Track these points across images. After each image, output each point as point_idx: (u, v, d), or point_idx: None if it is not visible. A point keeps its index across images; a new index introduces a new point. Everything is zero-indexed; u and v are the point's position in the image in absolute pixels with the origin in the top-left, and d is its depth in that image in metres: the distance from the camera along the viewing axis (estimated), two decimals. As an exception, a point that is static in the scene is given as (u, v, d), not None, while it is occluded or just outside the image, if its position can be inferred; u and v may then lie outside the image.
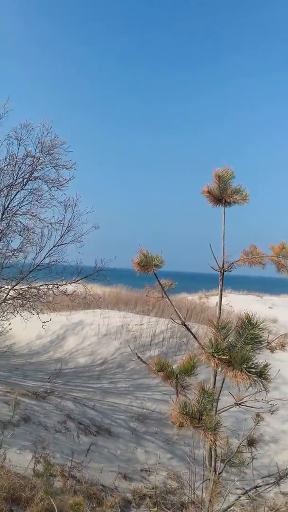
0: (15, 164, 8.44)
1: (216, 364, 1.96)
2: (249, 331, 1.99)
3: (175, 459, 7.29)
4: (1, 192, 8.46)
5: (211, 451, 2.34)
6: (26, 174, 8.61)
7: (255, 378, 1.90)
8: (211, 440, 1.96)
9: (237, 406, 2.45)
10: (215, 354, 1.96)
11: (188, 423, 2.04)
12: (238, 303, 23.60)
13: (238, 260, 2.71)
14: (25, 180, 8.62)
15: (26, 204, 8.74)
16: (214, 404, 2.28)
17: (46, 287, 9.13)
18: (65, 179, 8.94)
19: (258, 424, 3.28)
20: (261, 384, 1.94)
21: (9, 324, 9.12)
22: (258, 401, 2.47)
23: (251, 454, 3.12)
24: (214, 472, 2.34)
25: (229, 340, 2.06)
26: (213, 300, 23.76)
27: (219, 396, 2.39)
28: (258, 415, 3.26)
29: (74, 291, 9.55)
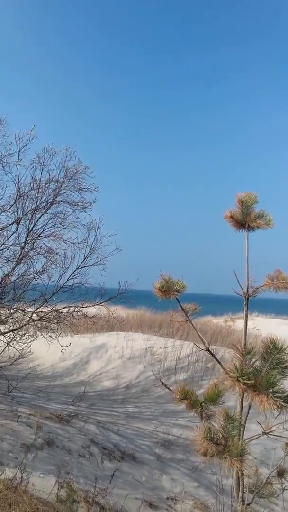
0: (39, 188, 8.64)
1: (242, 389, 1.92)
2: (275, 356, 1.96)
3: (202, 488, 7.09)
4: (26, 216, 8.64)
5: (238, 480, 2.27)
6: (49, 198, 8.81)
7: (282, 404, 1.86)
8: (237, 468, 1.91)
9: (266, 435, 2.38)
10: (240, 379, 1.93)
11: (213, 450, 2.00)
12: (265, 327, 23.15)
13: (263, 285, 2.68)
14: (48, 203, 8.81)
15: (50, 227, 8.91)
16: (241, 430, 2.23)
17: (68, 310, 9.18)
18: (89, 202, 9.10)
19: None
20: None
21: (29, 347, 9.16)
22: (287, 430, 2.41)
23: (281, 485, 3.02)
24: (242, 502, 2.27)
25: (255, 365, 2.02)
26: (239, 323, 23.42)
27: (245, 422, 2.33)
28: (287, 444, 3.16)
29: (95, 314, 9.57)
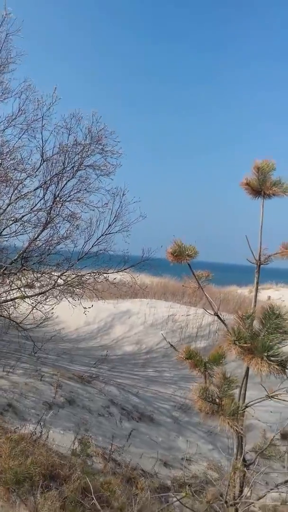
0: (65, 153, 8.65)
1: (238, 352, 1.96)
2: (273, 321, 1.98)
3: (216, 450, 7.28)
4: (51, 181, 8.70)
5: (238, 439, 2.34)
6: (76, 163, 8.82)
7: (276, 367, 1.89)
8: (229, 425, 1.97)
9: (270, 399, 2.42)
10: (236, 342, 1.96)
11: (208, 409, 2.06)
12: (291, 297, 23.01)
13: (276, 253, 2.66)
14: (74, 168, 8.82)
15: (76, 192, 8.94)
16: (240, 393, 2.28)
17: (91, 275, 9.32)
18: (113, 165, 9.07)
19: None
20: (285, 374, 1.93)
21: (53, 309, 9.38)
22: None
23: (287, 448, 3.09)
24: (242, 461, 2.34)
25: (254, 330, 2.05)
26: (264, 294, 23.31)
27: (245, 384, 2.37)
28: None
29: (119, 281, 9.69)
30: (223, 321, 2.54)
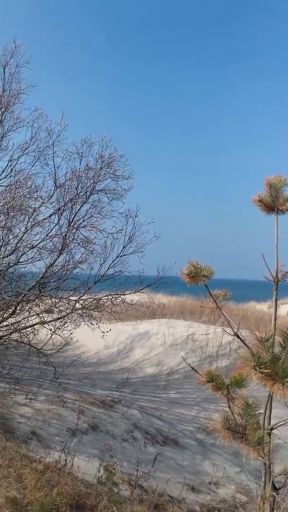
0: (78, 178, 8.80)
1: (259, 378, 1.91)
2: None
3: (244, 473, 7.10)
4: (65, 206, 8.83)
5: (265, 466, 2.28)
6: (88, 188, 8.95)
7: None
8: (254, 456, 1.92)
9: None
10: (257, 368, 1.91)
11: (231, 438, 2.01)
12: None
13: (294, 270, 2.64)
14: (87, 193, 8.96)
15: (89, 217, 9.05)
16: (263, 417, 2.23)
17: (108, 297, 9.35)
18: (124, 189, 9.18)
19: None
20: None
21: (71, 334, 9.41)
22: None
23: None
24: (271, 486, 2.28)
25: (273, 352, 2.00)
26: (284, 309, 22.98)
27: (270, 406, 2.32)
28: None
29: (136, 302, 9.69)
30: (244, 343, 2.50)
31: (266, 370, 1.89)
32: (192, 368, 2.61)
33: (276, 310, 2.66)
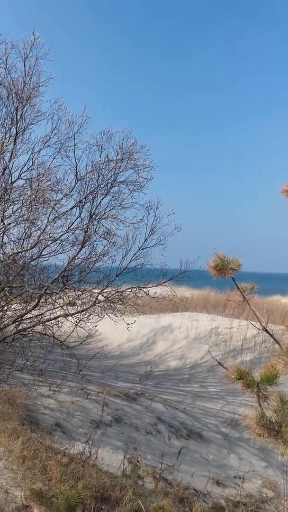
0: (99, 170, 8.77)
1: None
2: None
3: (271, 467, 7.01)
4: (86, 199, 8.82)
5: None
6: (109, 180, 8.91)
7: None
8: None
9: None
10: None
11: (266, 436, 1.93)
12: None
13: None
14: (108, 185, 8.92)
15: (111, 209, 9.03)
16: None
17: (131, 290, 9.32)
18: (145, 178, 9.10)
19: None
20: None
21: (96, 326, 9.44)
22: None
23: None
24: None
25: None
26: (311, 302, 22.59)
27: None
28: None
29: (159, 295, 9.64)
30: (274, 338, 2.41)
31: (302, 366, 1.80)
32: (219, 363, 2.53)
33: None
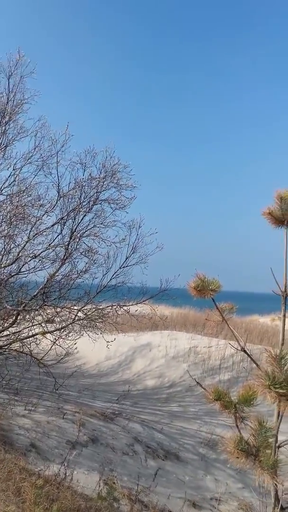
0: (81, 187, 8.80)
1: (274, 398, 1.84)
2: None
3: (247, 489, 6.97)
4: (68, 216, 8.82)
5: (275, 486, 2.21)
6: (91, 198, 8.95)
7: None
8: (267, 479, 1.85)
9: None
10: (271, 387, 1.84)
11: (244, 460, 1.94)
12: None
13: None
14: (91, 203, 8.95)
15: (92, 227, 9.04)
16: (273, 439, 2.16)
17: (111, 308, 9.30)
18: (128, 198, 9.17)
19: None
20: None
21: (75, 344, 9.35)
22: None
23: None
24: (279, 506, 2.20)
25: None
26: (287, 323, 22.81)
27: (278, 426, 2.25)
28: None
29: (138, 313, 9.64)
30: (252, 358, 2.44)
31: (281, 390, 1.82)
32: (198, 383, 2.54)
33: (284, 324, 2.60)
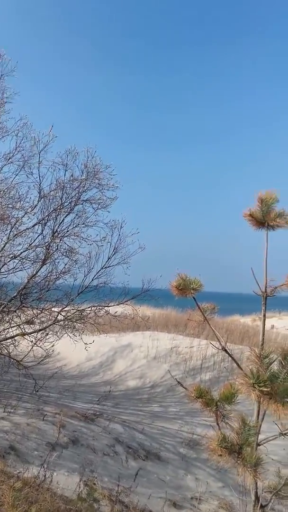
0: (63, 188, 8.73)
1: (258, 396, 1.85)
2: None
3: (227, 488, 7.01)
4: (49, 217, 8.74)
5: (255, 483, 2.22)
6: (73, 198, 8.89)
7: None
8: (250, 477, 1.86)
9: (284, 436, 2.33)
10: (255, 386, 1.85)
11: (227, 457, 1.95)
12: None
13: (282, 285, 2.61)
14: (72, 203, 8.89)
15: (74, 227, 8.98)
16: (255, 437, 2.17)
17: (91, 309, 9.24)
18: (110, 198, 9.14)
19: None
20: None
21: (53, 346, 9.26)
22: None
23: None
24: (258, 504, 2.22)
25: (272, 370, 1.94)
26: (268, 323, 23.09)
27: (259, 429, 2.27)
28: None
29: (120, 314, 9.61)
30: (233, 358, 2.46)
31: (265, 389, 1.83)
32: (179, 382, 2.55)
33: (264, 324, 2.63)
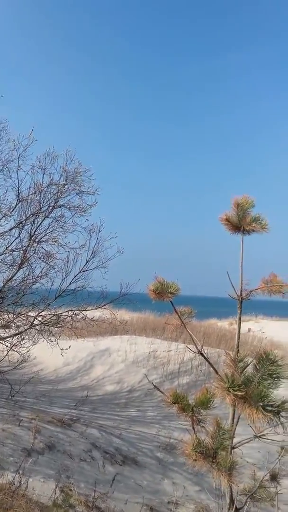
0: (40, 192, 8.65)
1: (233, 400, 1.87)
2: (267, 367, 1.91)
3: (203, 492, 7.04)
4: (27, 220, 8.65)
5: (230, 486, 2.24)
6: (51, 202, 8.82)
7: (272, 417, 1.81)
8: (225, 481, 1.88)
9: (258, 439, 2.36)
10: (230, 390, 1.88)
11: (202, 461, 1.97)
12: (271, 329, 23.14)
13: (257, 289, 2.65)
14: (50, 208, 8.82)
15: (51, 231, 8.90)
16: (230, 441, 2.19)
17: (68, 313, 9.16)
18: (89, 205, 9.10)
19: (282, 457, 3.13)
20: (278, 421, 1.85)
21: (28, 351, 9.14)
22: (279, 434, 2.37)
23: (276, 489, 2.98)
24: (233, 507, 2.24)
25: (246, 374, 1.97)
26: (244, 326, 23.32)
27: (234, 432, 2.29)
28: (282, 448, 3.13)
29: (98, 318, 9.56)
30: (209, 362, 2.48)
31: (240, 393, 1.85)
32: (156, 387, 2.56)
33: (240, 327, 2.66)
